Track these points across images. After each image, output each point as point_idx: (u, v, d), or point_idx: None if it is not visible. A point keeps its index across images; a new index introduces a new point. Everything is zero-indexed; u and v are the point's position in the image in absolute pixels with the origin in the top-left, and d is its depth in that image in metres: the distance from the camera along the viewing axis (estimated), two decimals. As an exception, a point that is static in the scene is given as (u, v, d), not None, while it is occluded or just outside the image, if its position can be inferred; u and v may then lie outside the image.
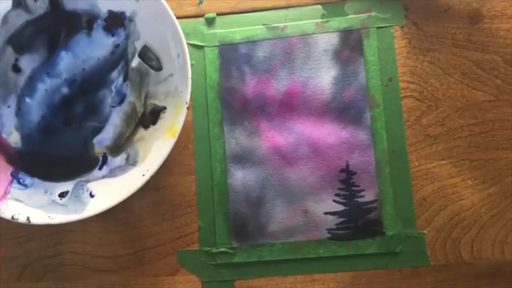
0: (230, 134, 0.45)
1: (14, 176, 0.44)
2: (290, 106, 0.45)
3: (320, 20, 0.46)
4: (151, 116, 0.45)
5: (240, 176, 0.45)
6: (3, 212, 0.41)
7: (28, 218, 0.41)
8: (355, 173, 0.44)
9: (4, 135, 0.45)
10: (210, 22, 0.47)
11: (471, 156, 0.44)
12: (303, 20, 0.46)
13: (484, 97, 0.45)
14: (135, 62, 0.46)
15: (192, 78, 0.42)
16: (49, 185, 0.44)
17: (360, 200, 0.44)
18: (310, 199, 0.44)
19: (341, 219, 0.44)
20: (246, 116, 0.46)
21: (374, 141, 0.44)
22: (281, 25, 0.46)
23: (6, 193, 0.43)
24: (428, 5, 0.46)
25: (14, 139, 0.45)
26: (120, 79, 0.46)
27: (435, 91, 0.45)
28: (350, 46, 0.46)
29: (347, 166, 0.44)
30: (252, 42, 0.46)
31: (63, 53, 0.46)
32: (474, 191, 0.44)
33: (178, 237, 0.45)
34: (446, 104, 0.45)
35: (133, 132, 0.45)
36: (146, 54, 0.45)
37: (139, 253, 0.45)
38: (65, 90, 0.46)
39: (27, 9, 0.45)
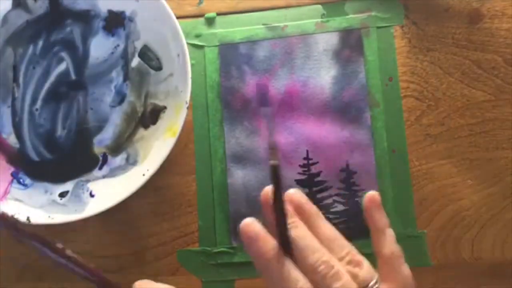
0: (230, 134, 0.45)
1: (14, 176, 0.44)
2: (290, 106, 0.45)
3: (320, 20, 0.46)
4: (151, 116, 0.45)
5: (240, 176, 0.45)
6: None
7: (28, 218, 0.41)
8: (355, 172, 0.44)
9: (4, 135, 0.45)
10: (210, 22, 0.47)
11: (471, 155, 0.44)
12: (303, 20, 0.46)
13: (484, 96, 0.45)
14: (135, 62, 0.46)
15: (192, 78, 0.42)
16: (49, 185, 0.44)
17: (360, 199, 0.44)
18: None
19: (341, 219, 0.44)
20: (246, 115, 0.46)
21: (374, 140, 0.44)
22: (281, 25, 0.46)
23: (6, 193, 0.43)
24: (428, 4, 0.46)
25: (14, 139, 0.45)
26: (120, 78, 0.46)
27: (435, 91, 0.45)
28: (350, 45, 0.46)
29: (347, 165, 0.44)
30: (252, 42, 0.46)
31: (63, 54, 0.46)
32: (474, 190, 0.44)
33: (178, 237, 0.45)
34: (446, 103, 0.45)
35: (133, 132, 0.45)
36: (146, 53, 0.45)
37: (139, 253, 0.45)
38: (65, 89, 0.46)
39: (27, 9, 0.45)
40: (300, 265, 0.29)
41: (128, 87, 0.46)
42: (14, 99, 0.46)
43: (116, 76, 0.46)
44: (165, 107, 0.44)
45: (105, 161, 0.45)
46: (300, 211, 0.31)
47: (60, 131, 0.46)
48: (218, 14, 0.47)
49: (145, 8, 0.44)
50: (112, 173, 0.44)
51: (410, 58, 0.45)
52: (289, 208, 0.30)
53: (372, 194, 0.32)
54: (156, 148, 0.43)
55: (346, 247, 0.30)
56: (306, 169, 0.44)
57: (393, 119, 0.45)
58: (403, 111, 0.45)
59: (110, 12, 0.45)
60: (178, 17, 0.42)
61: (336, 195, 0.44)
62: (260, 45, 0.46)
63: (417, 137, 0.44)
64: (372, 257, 0.44)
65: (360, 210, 0.44)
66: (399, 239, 0.43)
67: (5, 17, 0.44)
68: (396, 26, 0.46)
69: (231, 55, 0.46)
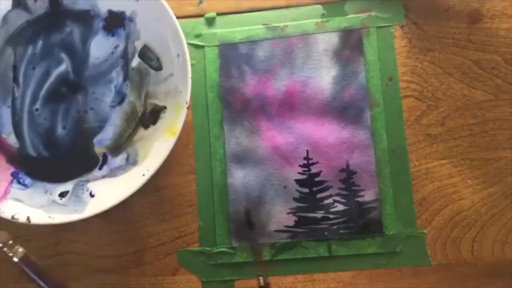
0: (230, 134, 0.45)
1: (14, 176, 0.44)
2: (290, 105, 0.45)
3: (320, 20, 0.46)
4: (151, 116, 0.45)
5: (240, 176, 0.45)
6: (3, 212, 0.41)
7: (28, 218, 0.41)
8: (355, 172, 0.44)
9: (3, 135, 0.45)
10: (210, 21, 0.47)
11: (471, 155, 0.44)
12: (303, 20, 0.46)
13: (484, 96, 0.45)
14: (135, 62, 0.45)
15: (192, 78, 0.42)
16: (49, 185, 0.44)
17: (360, 199, 0.44)
18: (310, 199, 0.44)
19: (342, 219, 0.44)
20: (246, 116, 0.46)
21: (374, 140, 0.44)
22: (281, 24, 0.46)
23: (6, 193, 0.43)
24: (428, 4, 0.46)
25: (13, 138, 0.45)
26: (120, 79, 0.46)
27: (435, 91, 0.45)
28: (350, 45, 0.46)
29: (347, 165, 0.44)
30: (252, 42, 0.46)
31: (62, 54, 0.46)
32: (474, 190, 0.44)
33: (178, 237, 0.45)
34: (446, 103, 0.45)
35: (133, 132, 0.45)
36: (146, 54, 0.45)
37: (139, 253, 0.45)
38: (65, 89, 0.46)
39: (27, 9, 0.45)
40: None
41: (128, 87, 0.46)
42: (14, 99, 0.46)
43: (116, 76, 0.46)
44: (165, 107, 0.44)
45: (105, 161, 0.45)
46: None
47: (60, 131, 0.46)
48: (218, 14, 0.47)
49: (145, 8, 0.44)
50: (112, 173, 0.44)
51: (410, 58, 0.45)
52: None
53: None
54: (156, 148, 0.43)
55: None
56: (306, 169, 0.44)
57: (393, 119, 0.45)
58: (403, 111, 0.45)
59: (110, 12, 0.45)
60: (178, 17, 0.42)
61: (336, 195, 0.44)
62: (260, 45, 0.46)
63: (417, 137, 0.44)
64: (372, 256, 0.44)
65: (360, 209, 0.44)
66: (400, 239, 0.43)
67: (5, 17, 0.44)
68: (396, 26, 0.46)
69: (231, 55, 0.46)
